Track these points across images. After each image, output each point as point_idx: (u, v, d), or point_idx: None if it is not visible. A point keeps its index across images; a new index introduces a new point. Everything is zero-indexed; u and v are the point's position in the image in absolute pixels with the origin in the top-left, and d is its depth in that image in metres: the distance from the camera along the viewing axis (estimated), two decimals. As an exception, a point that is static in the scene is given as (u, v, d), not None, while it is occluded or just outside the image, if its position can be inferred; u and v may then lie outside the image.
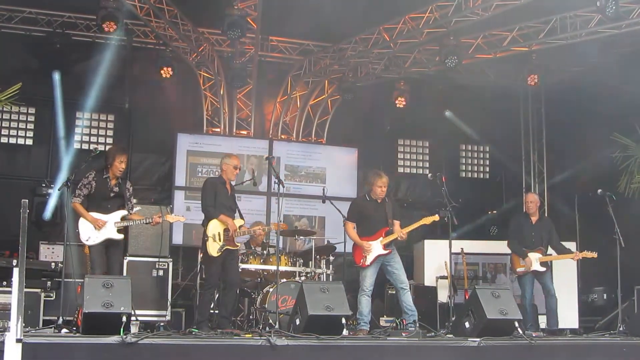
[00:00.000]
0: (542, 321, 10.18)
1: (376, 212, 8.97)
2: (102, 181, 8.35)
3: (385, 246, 8.81)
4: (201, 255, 9.03)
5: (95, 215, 8.21)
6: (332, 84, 13.61)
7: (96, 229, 8.16)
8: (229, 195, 8.70)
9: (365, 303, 8.74)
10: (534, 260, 9.73)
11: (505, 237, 10.15)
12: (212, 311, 9.25)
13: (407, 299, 8.76)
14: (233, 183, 8.97)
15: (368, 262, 8.78)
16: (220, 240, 8.39)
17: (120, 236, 8.34)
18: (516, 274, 9.93)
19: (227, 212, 8.56)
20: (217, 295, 8.91)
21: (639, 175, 11.40)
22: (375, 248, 8.80)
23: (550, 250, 10.04)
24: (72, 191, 8.34)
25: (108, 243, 8.26)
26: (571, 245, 10.40)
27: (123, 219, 8.34)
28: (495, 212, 13.90)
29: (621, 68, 11.87)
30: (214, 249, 8.36)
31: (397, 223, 8.94)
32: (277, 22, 12.17)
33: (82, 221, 8.21)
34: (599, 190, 9.59)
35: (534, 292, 9.88)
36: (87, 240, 8.18)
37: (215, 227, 8.43)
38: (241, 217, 8.81)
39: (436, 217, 8.95)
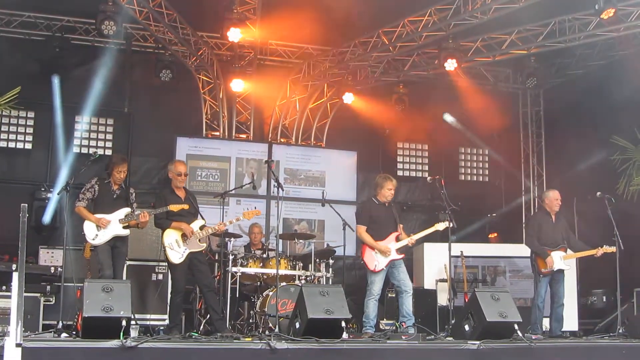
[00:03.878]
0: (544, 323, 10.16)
1: (386, 215, 8.95)
2: (105, 186, 8.47)
3: (399, 251, 8.79)
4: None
5: (99, 216, 8.30)
6: (331, 87, 13.62)
7: (102, 228, 8.22)
8: (182, 202, 8.58)
9: (372, 307, 8.71)
10: (558, 259, 9.52)
11: (506, 240, 10.09)
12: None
13: (408, 303, 8.75)
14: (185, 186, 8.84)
15: (380, 267, 8.73)
16: (180, 246, 8.37)
17: (127, 232, 8.43)
18: (542, 274, 9.57)
19: (181, 218, 8.46)
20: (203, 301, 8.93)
21: (638, 177, 11.40)
22: (390, 253, 8.77)
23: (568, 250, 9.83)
24: (72, 195, 8.38)
25: (115, 241, 8.34)
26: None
27: (127, 216, 8.38)
28: (494, 215, 13.91)
29: (619, 71, 11.90)
30: (174, 257, 8.34)
31: (400, 226, 8.94)
32: (276, 25, 12.17)
33: (87, 222, 8.28)
34: (598, 193, 9.55)
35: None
36: (93, 239, 8.23)
37: (170, 236, 8.40)
38: (202, 217, 8.70)
39: (448, 224, 8.89)
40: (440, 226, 8.92)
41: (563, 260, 9.56)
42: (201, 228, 8.53)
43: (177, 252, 8.34)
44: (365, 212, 9.08)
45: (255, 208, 9.27)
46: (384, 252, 8.71)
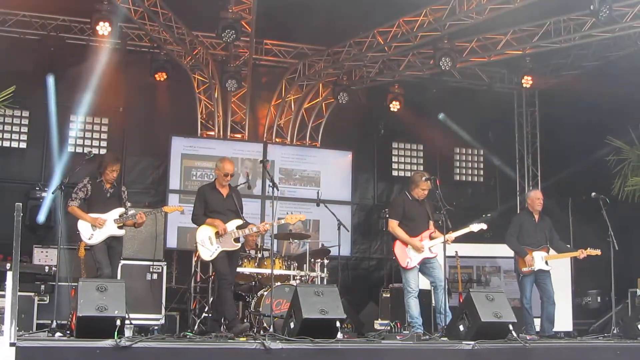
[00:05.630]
0: (536, 324, 10.15)
1: (419, 212, 8.81)
2: (97, 185, 8.45)
3: (431, 249, 8.68)
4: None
5: (93, 215, 8.28)
6: (326, 87, 13.62)
7: (98, 228, 8.20)
8: (223, 198, 8.61)
9: (414, 305, 8.54)
10: (539, 258, 9.52)
11: (499, 240, 10.07)
12: (205, 314, 9.26)
13: (442, 298, 8.56)
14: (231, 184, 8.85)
15: (413, 265, 8.60)
16: (212, 244, 8.36)
17: (122, 232, 8.44)
18: (522, 274, 9.58)
19: (220, 216, 8.46)
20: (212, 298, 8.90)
21: (633, 178, 11.43)
22: (424, 250, 8.66)
23: (550, 250, 9.84)
24: (66, 195, 8.36)
25: (111, 240, 8.34)
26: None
27: (121, 216, 8.38)
28: (489, 215, 13.90)
29: (615, 71, 11.92)
30: (205, 254, 8.35)
31: (431, 223, 8.84)
32: (272, 25, 12.17)
33: (81, 222, 8.26)
34: (593, 194, 9.55)
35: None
36: (89, 238, 8.22)
37: (203, 233, 8.40)
38: (241, 217, 8.65)
39: (484, 226, 8.87)
40: (475, 227, 8.82)
41: (544, 261, 9.57)
42: (239, 228, 8.50)
43: (208, 250, 8.33)
44: (398, 206, 8.90)
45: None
46: (418, 248, 8.59)
